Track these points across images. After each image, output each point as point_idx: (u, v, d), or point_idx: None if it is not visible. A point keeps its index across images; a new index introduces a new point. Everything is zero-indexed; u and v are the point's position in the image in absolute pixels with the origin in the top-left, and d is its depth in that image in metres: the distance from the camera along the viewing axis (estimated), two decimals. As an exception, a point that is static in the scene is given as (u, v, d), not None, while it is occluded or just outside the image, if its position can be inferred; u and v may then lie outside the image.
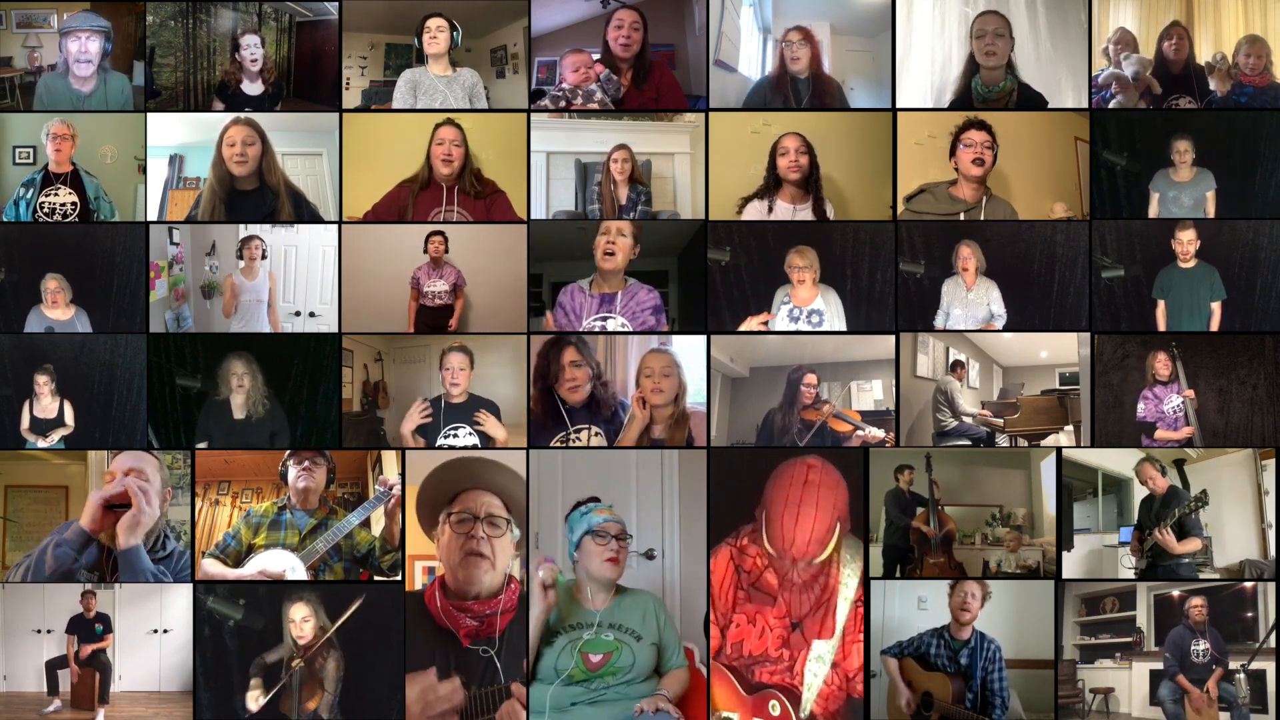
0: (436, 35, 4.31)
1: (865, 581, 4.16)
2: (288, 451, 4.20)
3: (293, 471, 4.19)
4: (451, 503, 3.88)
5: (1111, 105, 4.27)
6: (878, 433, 4.21)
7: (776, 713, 4.07)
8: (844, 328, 4.23)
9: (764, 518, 4.14)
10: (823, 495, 4.12)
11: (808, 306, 4.22)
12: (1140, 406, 4.23)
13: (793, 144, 4.26)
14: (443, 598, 3.86)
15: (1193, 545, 4.20)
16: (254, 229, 4.28)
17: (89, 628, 4.23)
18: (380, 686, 4.12)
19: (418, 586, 4.15)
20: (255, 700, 4.09)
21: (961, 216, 4.26)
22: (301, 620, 4.11)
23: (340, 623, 4.07)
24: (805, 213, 4.27)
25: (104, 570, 4.07)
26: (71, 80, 4.27)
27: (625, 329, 4.24)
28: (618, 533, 3.97)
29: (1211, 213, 4.24)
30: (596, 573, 3.95)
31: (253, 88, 4.31)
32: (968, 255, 4.23)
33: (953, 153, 4.26)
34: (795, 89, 4.31)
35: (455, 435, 4.23)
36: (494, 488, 3.92)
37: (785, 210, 4.27)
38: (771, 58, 4.34)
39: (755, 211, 4.27)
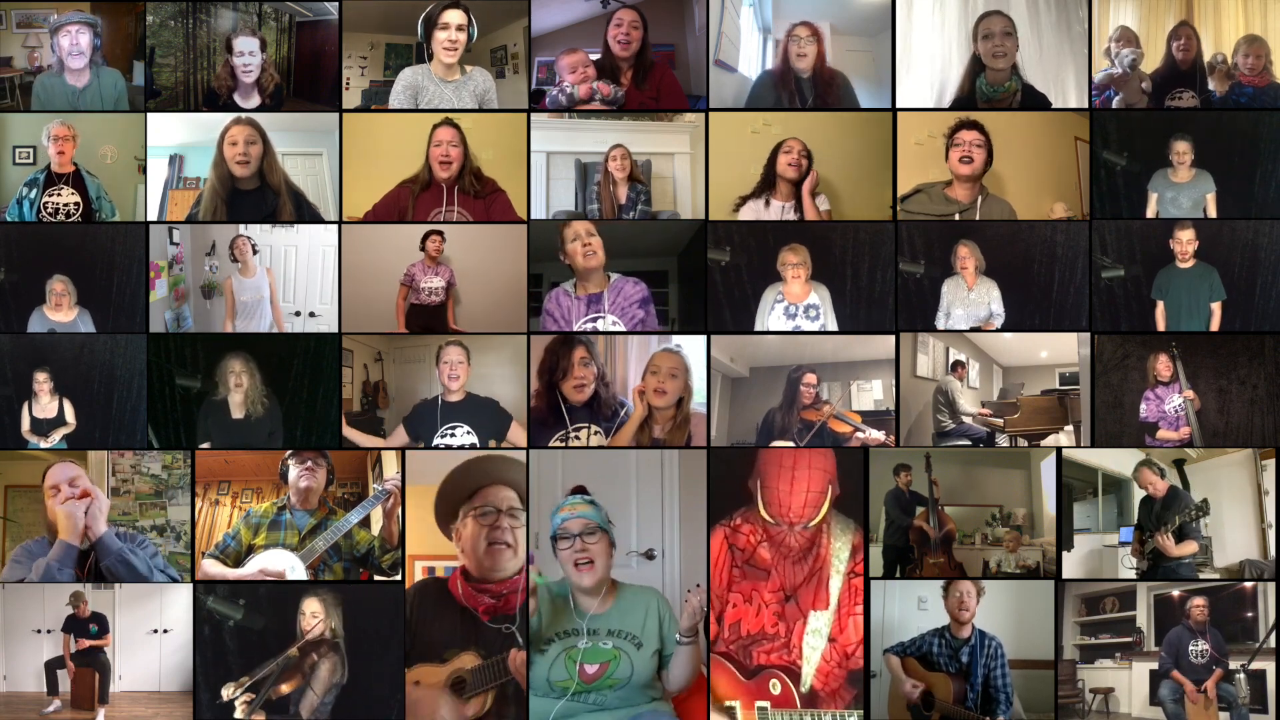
0: (457, 37, 4.25)
1: (865, 581, 4.17)
2: (289, 451, 4.20)
3: (295, 471, 4.19)
4: (472, 498, 3.98)
5: (1113, 104, 4.27)
6: (877, 434, 4.21)
7: (777, 691, 4.07)
8: (834, 325, 4.23)
9: (759, 487, 4.15)
10: (814, 459, 4.15)
11: (803, 302, 4.22)
12: (1142, 407, 4.23)
13: (796, 145, 4.26)
14: (464, 583, 3.96)
15: (1190, 548, 4.20)
16: (239, 229, 4.28)
17: (84, 627, 4.23)
18: (380, 687, 4.12)
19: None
20: (230, 690, 4.11)
21: (957, 216, 4.26)
22: (311, 614, 4.12)
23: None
24: (793, 209, 4.28)
25: (93, 568, 4.10)
26: (66, 76, 4.27)
27: (618, 326, 4.24)
28: (581, 529, 3.85)
29: (1212, 214, 4.24)
30: (573, 580, 3.87)
31: (247, 101, 4.28)
32: (966, 254, 4.23)
33: (947, 154, 4.26)
34: (799, 88, 4.31)
35: (452, 435, 4.23)
36: (510, 482, 4.04)
37: (779, 208, 4.27)
38: (772, 56, 4.34)
39: (752, 211, 4.27)
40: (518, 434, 4.22)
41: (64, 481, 4.10)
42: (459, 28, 4.26)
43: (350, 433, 4.22)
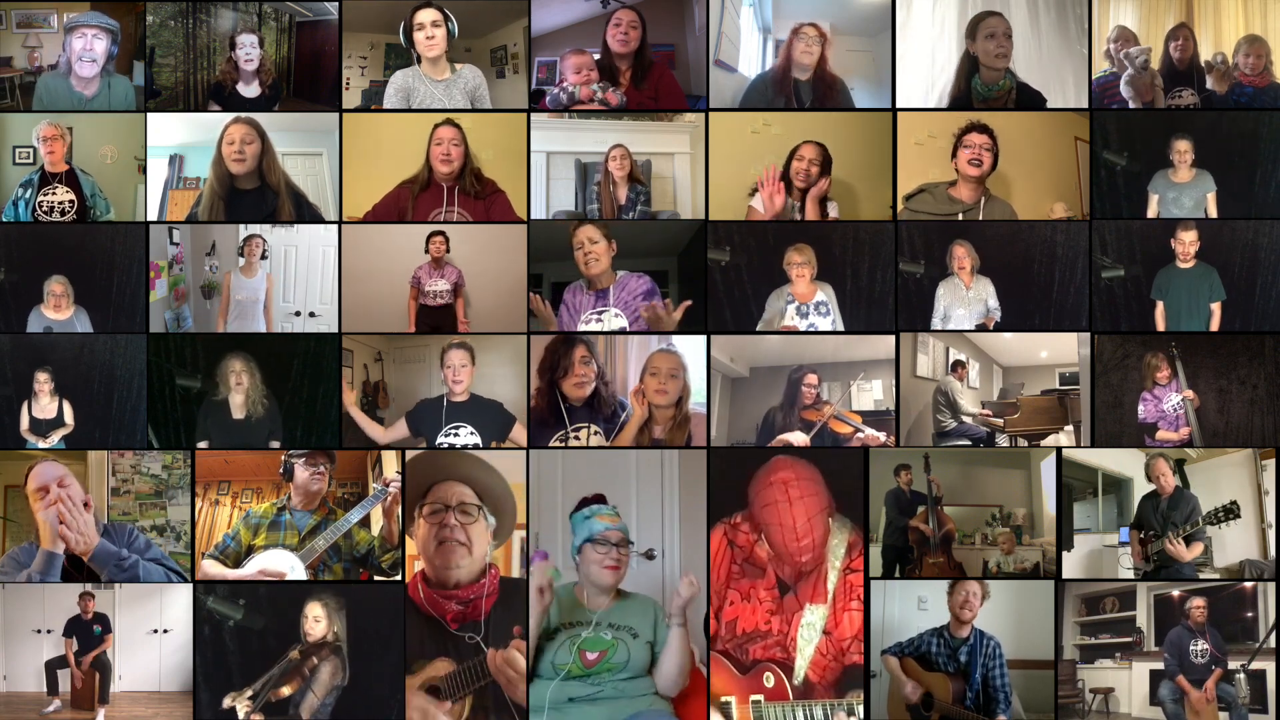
0: (434, 33, 4.27)
1: (865, 581, 4.17)
2: (290, 451, 4.20)
3: (305, 473, 4.18)
4: (425, 495, 3.95)
5: (1128, 102, 4.27)
6: (878, 435, 4.21)
7: (771, 684, 4.08)
8: (841, 324, 4.23)
9: (763, 538, 4.14)
10: (809, 501, 4.11)
11: (812, 300, 4.23)
12: (1140, 408, 4.23)
13: (809, 153, 4.26)
14: (425, 588, 3.94)
15: (1195, 550, 4.20)
16: (256, 229, 4.28)
17: (87, 629, 4.23)
18: (380, 688, 4.12)
19: (416, 586, 4.17)
20: (232, 699, 4.11)
21: (960, 216, 4.26)
22: (314, 619, 4.12)
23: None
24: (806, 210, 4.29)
25: (87, 571, 4.11)
26: (73, 81, 4.26)
27: (620, 318, 4.24)
28: (619, 540, 3.94)
29: (1212, 214, 4.24)
30: (596, 579, 3.94)
31: (249, 90, 4.30)
32: (963, 255, 4.23)
33: (954, 154, 4.26)
34: (797, 91, 4.31)
35: (456, 435, 4.23)
36: (464, 478, 3.98)
37: (790, 208, 4.28)
38: (773, 56, 4.34)
39: (768, 196, 4.27)
40: (519, 434, 4.22)
41: (52, 482, 4.07)
42: (434, 24, 4.27)
43: (354, 411, 4.20)
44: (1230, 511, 4.15)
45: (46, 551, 4.06)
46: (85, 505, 4.08)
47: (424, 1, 4.28)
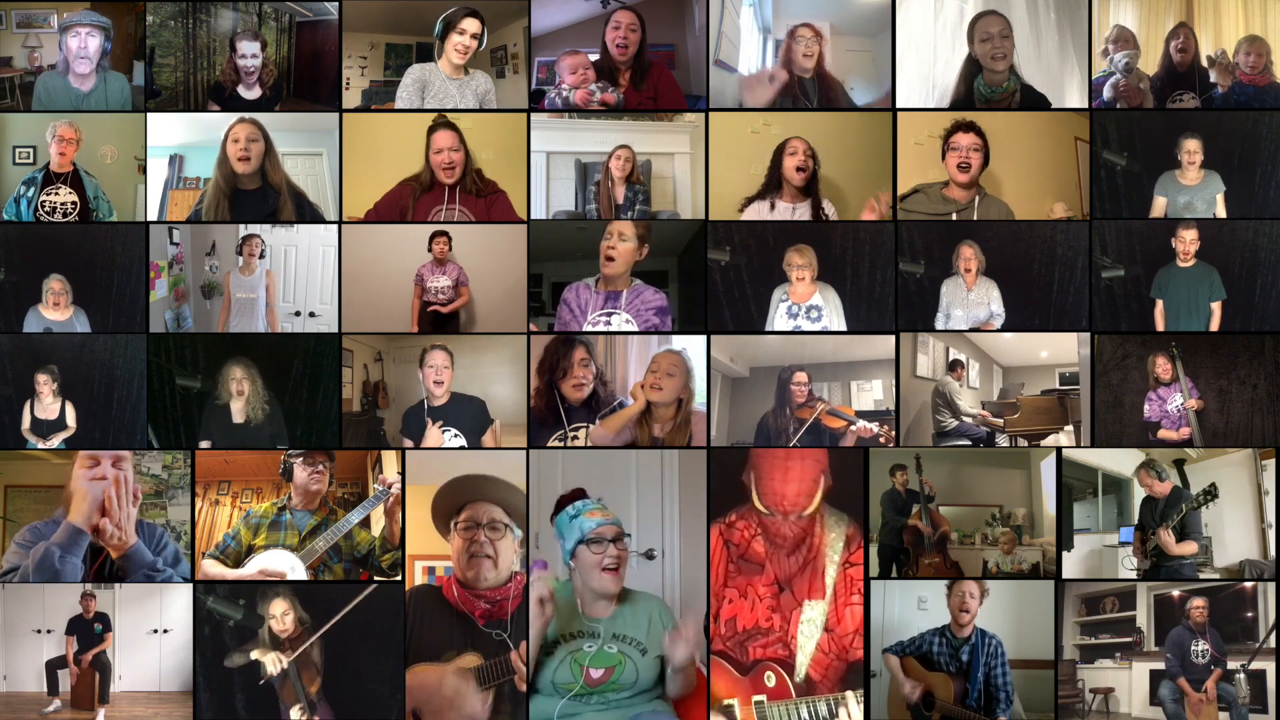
0: (470, 44, 4.28)
1: (865, 581, 4.17)
2: (289, 450, 4.20)
3: (304, 473, 4.19)
4: (459, 513, 4.03)
5: (1117, 106, 4.26)
6: (872, 426, 4.20)
7: (772, 684, 4.08)
8: (843, 325, 4.23)
9: (752, 479, 4.16)
10: (806, 450, 4.17)
11: (806, 303, 4.22)
12: (1146, 407, 4.23)
13: (801, 146, 4.26)
14: (458, 588, 4.00)
15: (1189, 548, 4.19)
16: (254, 228, 4.29)
17: (88, 628, 4.23)
18: (380, 686, 4.12)
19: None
20: (275, 663, 4.10)
21: (954, 216, 4.26)
22: (282, 614, 4.12)
23: (330, 625, 4.09)
24: (804, 212, 4.27)
25: (101, 567, 4.08)
26: (71, 79, 4.27)
27: (629, 324, 4.24)
28: (615, 535, 3.83)
29: (1221, 214, 4.23)
30: (596, 585, 3.82)
31: (249, 92, 4.31)
32: (970, 255, 4.23)
33: (944, 155, 4.26)
34: (803, 89, 4.31)
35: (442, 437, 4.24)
36: (495, 499, 4.05)
37: (785, 209, 4.27)
38: (772, 57, 4.34)
39: (757, 211, 4.27)
40: (492, 438, 4.24)
41: (108, 458, 4.05)
42: (473, 35, 4.29)
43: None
44: (1209, 494, 4.16)
45: (73, 526, 3.95)
46: (134, 498, 4.05)
47: (472, 10, 4.29)
